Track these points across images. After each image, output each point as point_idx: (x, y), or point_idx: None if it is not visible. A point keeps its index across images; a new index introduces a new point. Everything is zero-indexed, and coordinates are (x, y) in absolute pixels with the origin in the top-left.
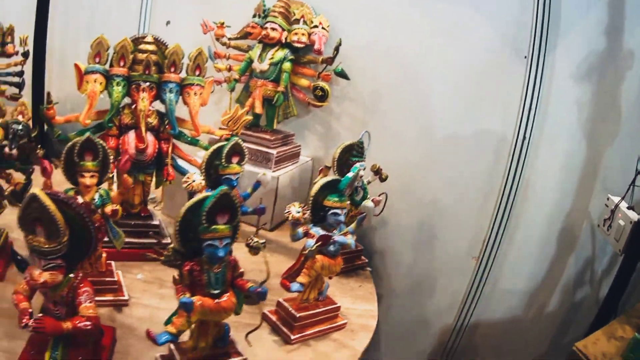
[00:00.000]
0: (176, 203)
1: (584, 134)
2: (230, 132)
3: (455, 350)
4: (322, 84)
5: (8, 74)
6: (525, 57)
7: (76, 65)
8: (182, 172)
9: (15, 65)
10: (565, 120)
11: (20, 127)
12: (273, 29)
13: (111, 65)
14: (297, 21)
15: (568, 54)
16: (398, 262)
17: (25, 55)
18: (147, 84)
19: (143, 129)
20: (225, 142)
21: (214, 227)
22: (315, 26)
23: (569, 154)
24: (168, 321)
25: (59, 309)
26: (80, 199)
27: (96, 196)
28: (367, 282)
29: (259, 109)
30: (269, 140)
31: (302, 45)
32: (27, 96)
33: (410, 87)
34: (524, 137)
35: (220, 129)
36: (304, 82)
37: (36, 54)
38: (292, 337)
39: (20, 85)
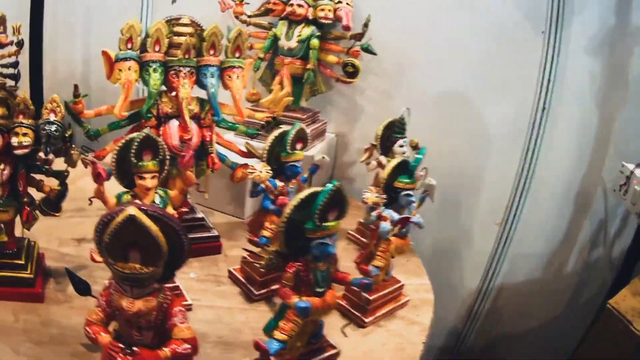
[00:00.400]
0: (211, 192)
1: (597, 104)
2: (271, 114)
3: (480, 313)
4: (353, 60)
5: (2, 66)
6: (543, 32)
7: (105, 53)
8: (222, 159)
9: (10, 55)
10: (580, 91)
11: (54, 127)
12: (299, 5)
13: (144, 51)
14: None
15: (582, 29)
16: (423, 230)
17: (20, 44)
18: (187, 69)
19: (187, 117)
20: (289, 128)
21: (325, 224)
22: (340, 2)
23: (584, 123)
24: (270, 327)
25: (144, 334)
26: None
27: (157, 198)
28: (413, 255)
29: (288, 88)
30: (301, 119)
31: (329, 22)
32: (24, 86)
33: (432, 59)
34: (544, 108)
35: (257, 110)
36: (331, 58)
37: (32, 42)
38: (366, 320)
39: (16, 77)
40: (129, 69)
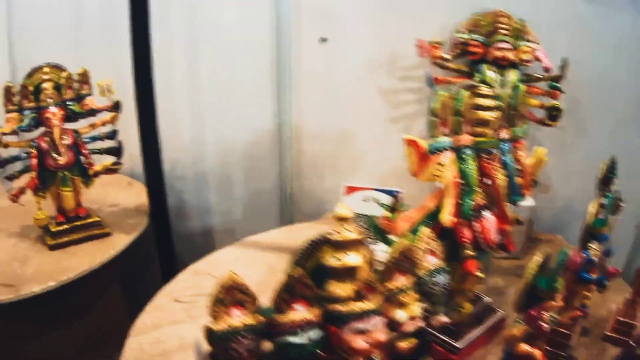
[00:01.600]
0: None
1: None
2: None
3: None
4: (557, 103)
5: (95, 139)
6: None
7: (414, 143)
8: None
9: (104, 124)
10: None
11: (444, 279)
12: (508, 49)
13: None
14: (519, 38)
15: None
16: None
17: (117, 107)
18: (497, 150)
19: (507, 208)
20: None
21: None
22: (528, 41)
23: None
24: None
25: None
26: None
27: None
28: None
29: None
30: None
31: (532, 64)
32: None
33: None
34: None
35: None
36: (534, 101)
37: (141, 98)
38: None
39: (118, 151)
40: (450, 161)
